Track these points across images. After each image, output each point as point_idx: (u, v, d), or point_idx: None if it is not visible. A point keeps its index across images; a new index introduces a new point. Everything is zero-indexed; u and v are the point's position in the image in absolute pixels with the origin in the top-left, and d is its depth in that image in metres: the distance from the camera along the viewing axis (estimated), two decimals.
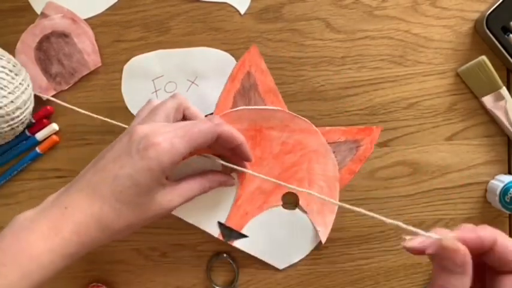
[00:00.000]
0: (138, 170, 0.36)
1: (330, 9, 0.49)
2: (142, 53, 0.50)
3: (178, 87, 0.50)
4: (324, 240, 0.50)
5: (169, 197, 0.39)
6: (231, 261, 0.51)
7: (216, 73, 0.50)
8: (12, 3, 0.50)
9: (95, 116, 0.48)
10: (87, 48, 0.50)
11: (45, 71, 0.50)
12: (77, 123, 0.51)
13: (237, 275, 0.51)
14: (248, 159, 0.45)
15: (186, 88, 0.50)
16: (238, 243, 0.50)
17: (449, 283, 0.24)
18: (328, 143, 0.50)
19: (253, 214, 0.50)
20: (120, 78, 0.50)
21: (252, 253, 0.51)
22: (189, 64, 0.50)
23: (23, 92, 0.47)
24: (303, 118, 0.49)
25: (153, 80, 0.50)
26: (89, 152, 0.51)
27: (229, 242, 0.50)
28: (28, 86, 0.48)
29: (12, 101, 0.45)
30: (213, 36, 0.50)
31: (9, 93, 0.45)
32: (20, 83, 0.46)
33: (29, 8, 0.50)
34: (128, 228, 0.37)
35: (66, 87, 0.51)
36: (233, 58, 0.50)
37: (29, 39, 0.50)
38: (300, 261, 0.51)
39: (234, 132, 0.42)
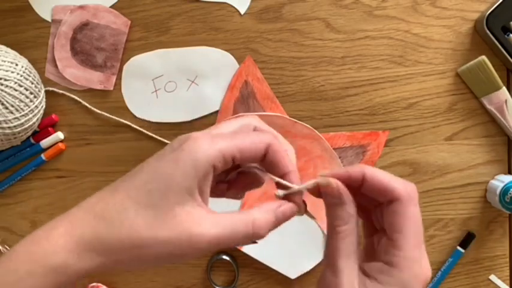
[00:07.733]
0: (164, 162, 0.27)
1: (330, 9, 0.49)
2: (142, 52, 0.50)
3: (178, 86, 0.50)
4: None
5: (199, 219, 0.27)
6: (231, 261, 0.51)
7: (216, 73, 0.50)
8: (12, 3, 0.50)
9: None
10: (109, 18, 0.49)
11: (94, 65, 0.50)
12: (77, 123, 0.51)
13: (237, 275, 0.51)
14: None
15: (186, 88, 0.50)
16: (248, 250, 0.50)
17: (336, 216, 0.27)
18: (334, 149, 0.49)
19: None
20: (120, 78, 0.50)
21: (262, 261, 0.51)
22: (189, 64, 0.50)
23: (35, 115, 0.47)
24: (305, 124, 0.49)
25: (153, 80, 0.50)
26: (89, 152, 0.51)
27: (238, 248, 0.50)
28: (42, 107, 0.48)
29: (22, 123, 0.46)
30: (213, 36, 0.50)
31: (22, 115, 0.45)
32: (35, 106, 0.46)
33: (29, 8, 0.50)
34: (132, 244, 0.26)
35: (119, 65, 0.50)
36: (233, 58, 0.50)
37: (62, 52, 0.50)
38: (313, 269, 0.51)
39: (286, 152, 0.32)
